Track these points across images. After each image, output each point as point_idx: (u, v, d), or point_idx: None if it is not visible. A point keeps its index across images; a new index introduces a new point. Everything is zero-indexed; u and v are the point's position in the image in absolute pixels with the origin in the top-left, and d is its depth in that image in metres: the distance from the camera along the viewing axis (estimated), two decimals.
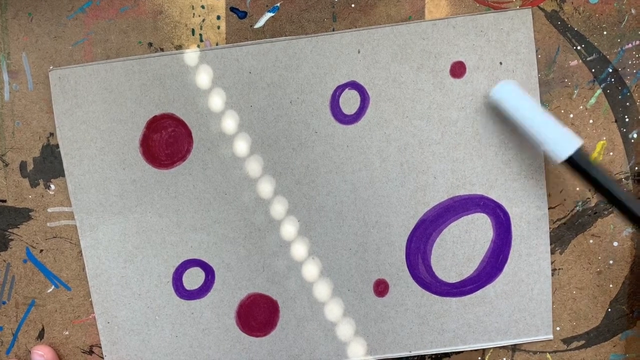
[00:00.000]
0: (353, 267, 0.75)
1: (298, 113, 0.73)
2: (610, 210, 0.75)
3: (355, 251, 0.75)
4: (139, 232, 0.75)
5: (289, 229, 0.75)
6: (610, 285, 0.75)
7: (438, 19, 0.72)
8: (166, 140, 0.74)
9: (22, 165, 0.75)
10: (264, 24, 0.73)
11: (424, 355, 0.76)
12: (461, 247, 0.74)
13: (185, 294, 0.76)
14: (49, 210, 0.76)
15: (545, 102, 0.73)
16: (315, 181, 0.74)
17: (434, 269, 0.75)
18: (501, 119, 0.72)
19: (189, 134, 0.74)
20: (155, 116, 0.74)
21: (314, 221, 0.74)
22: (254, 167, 0.74)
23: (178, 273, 0.75)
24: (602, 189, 0.68)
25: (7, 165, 0.75)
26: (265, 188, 0.74)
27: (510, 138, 0.73)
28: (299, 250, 0.75)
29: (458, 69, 0.72)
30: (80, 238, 0.75)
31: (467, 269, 0.75)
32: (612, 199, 0.68)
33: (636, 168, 0.74)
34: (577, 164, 0.68)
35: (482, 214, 0.74)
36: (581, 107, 0.73)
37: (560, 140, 0.68)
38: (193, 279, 0.75)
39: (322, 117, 0.73)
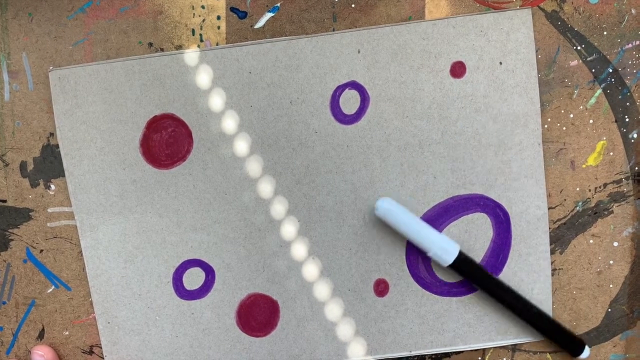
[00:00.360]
0: (353, 267, 0.75)
1: (298, 113, 0.73)
2: (610, 210, 0.75)
3: (355, 251, 0.75)
4: (139, 232, 0.75)
5: (289, 229, 0.75)
6: (611, 286, 0.75)
7: (438, 19, 0.72)
8: (166, 141, 0.74)
9: (22, 165, 0.75)
10: (264, 24, 0.74)
11: (424, 355, 0.76)
12: (461, 246, 0.74)
13: (186, 294, 0.76)
14: (49, 210, 0.76)
15: (545, 102, 0.73)
16: (316, 181, 0.74)
17: (434, 268, 0.75)
18: (501, 118, 0.73)
19: (189, 134, 0.74)
20: (156, 116, 0.74)
21: (314, 221, 0.75)
22: (254, 167, 0.74)
23: (178, 273, 0.75)
24: (484, 285, 0.74)
25: (7, 165, 0.75)
26: (266, 188, 0.74)
27: (509, 138, 0.73)
28: (299, 250, 0.75)
29: (458, 69, 0.73)
30: (80, 238, 0.75)
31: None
32: (493, 293, 0.74)
33: (636, 168, 0.74)
34: (459, 266, 0.72)
35: (482, 213, 0.74)
36: (581, 107, 0.73)
37: (442, 247, 0.72)
38: (193, 279, 0.75)
39: (322, 117, 0.73)
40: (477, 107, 0.73)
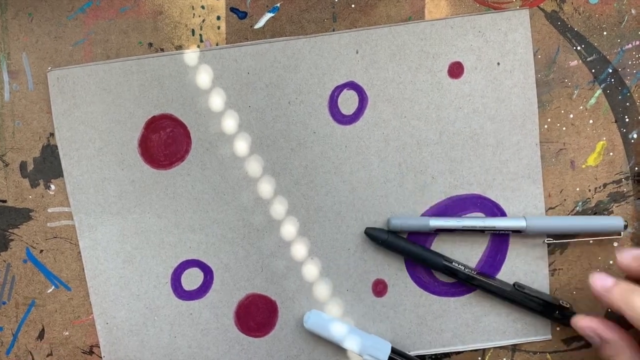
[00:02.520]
0: (352, 267, 0.75)
1: (296, 113, 0.73)
2: (610, 210, 0.75)
3: (354, 251, 0.75)
4: (137, 233, 0.75)
5: (287, 229, 0.75)
6: None
7: (436, 20, 0.72)
8: (165, 141, 0.74)
9: (22, 166, 0.75)
10: (264, 25, 0.74)
11: (425, 355, 0.76)
12: (459, 246, 0.74)
13: (184, 295, 0.76)
14: (49, 210, 0.76)
15: (545, 102, 0.73)
16: (314, 181, 0.74)
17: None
18: (498, 119, 0.73)
19: (187, 135, 0.74)
20: (154, 116, 0.74)
21: (313, 221, 0.75)
22: (252, 167, 0.74)
23: (176, 273, 0.75)
24: None
25: (7, 165, 0.75)
26: (264, 188, 0.74)
27: (507, 138, 0.73)
28: (298, 250, 0.75)
29: (456, 70, 0.73)
30: (78, 238, 0.75)
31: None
32: None
33: (636, 168, 0.74)
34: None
35: (480, 213, 0.74)
36: (581, 107, 0.73)
37: (374, 347, 0.73)
38: (191, 279, 0.75)
39: (321, 118, 0.73)
40: (475, 108, 0.73)
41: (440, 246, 0.74)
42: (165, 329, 0.76)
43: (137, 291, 0.76)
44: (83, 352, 0.77)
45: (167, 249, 0.75)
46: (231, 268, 0.75)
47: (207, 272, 0.75)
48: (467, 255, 0.74)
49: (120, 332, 0.76)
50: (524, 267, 0.74)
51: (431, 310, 0.75)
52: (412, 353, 0.76)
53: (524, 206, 0.74)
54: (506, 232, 0.72)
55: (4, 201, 0.76)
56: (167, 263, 0.75)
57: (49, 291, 0.77)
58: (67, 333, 0.77)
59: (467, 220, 0.72)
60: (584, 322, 0.69)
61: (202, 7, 0.74)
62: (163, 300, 0.76)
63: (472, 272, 0.73)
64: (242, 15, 0.74)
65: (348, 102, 0.73)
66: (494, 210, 0.74)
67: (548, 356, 0.76)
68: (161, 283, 0.75)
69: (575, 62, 0.73)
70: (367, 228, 0.74)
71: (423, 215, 0.74)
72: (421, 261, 0.73)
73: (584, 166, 0.74)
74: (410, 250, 0.73)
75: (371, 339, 0.73)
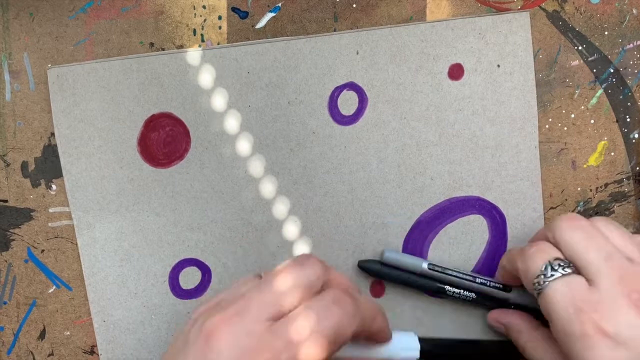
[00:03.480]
0: (350, 268, 0.75)
1: (296, 113, 0.73)
2: (611, 210, 0.74)
3: (353, 252, 0.75)
4: (135, 231, 0.75)
5: (286, 229, 0.75)
6: None
7: (437, 21, 0.72)
8: (164, 139, 0.74)
9: (24, 165, 0.75)
10: (266, 24, 0.74)
11: None
12: (457, 248, 0.74)
13: (182, 293, 0.76)
14: (50, 210, 0.76)
15: (546, 102, 0.73)
16: (313, 182, 0.74)
17: None
18: (498, 121, 0.72)
19: (186, 133, 0.74)
20: (153, 115, 0.74)
21: (312, 221, 0.75)
22: (251, 167, 0.74)
23: (174, 272, 0.75)
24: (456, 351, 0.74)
25: (8, 165, 0.75)
26: (263, 188, 0.74)
27: (506, 140, 0.73)
28: (296, 250, 0.75)
29: (456, 71, 0.73)
30: (77, 237, 0.75)
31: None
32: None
33: (637, 168, 0.74)
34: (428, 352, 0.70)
35: (478, 215, 0.74)
36: (582, 107, 0.73)
37: (403, 347, 0.67)
38: (189, 278, 0.75)
39: (320, 118, 0.73)
40: (475, 110, 0.73)
41: (439, 247, 0.74)
42: (162, 327, 0.76)
43: (135, 289, 0.76)
44: (84, 352, 0.78)
45: (165, 247, 0.75)
46: (229, 267, 0.75)
47: (205, 271, 0.75)
48: (466, 256, 0.74)
49: (117, 330, 0.76)
50: None
51: (429, 311, 0.75)
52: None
53: (523, 208, 0.74)
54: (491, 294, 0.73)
55: (5, 201, 0.76)
56: (165, 261, 0.75)
57: (50, 291, 0.77)
58: (68, 333, 0.77)
59: (456, 277, 0.72)
60: (489, 316, 0.73)
61: (204, 6, 0.74)
62: (161, 299, 0.76)
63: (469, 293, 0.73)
64: (244, 15, 0.74)
65: (348, 103, 0.73)
66: (493, 212, 0.73)
67: None
68: (159, 281, 0.75)
69: (576, 62, 0.73)
70: (359, 261, 0.74)
71: (422, 215, 0.74)
72: (416, 288, 0.74)
73: (585, 166, 0.74)
74: (404, 279, 0.73)
75: (395, 336, 0.66)
